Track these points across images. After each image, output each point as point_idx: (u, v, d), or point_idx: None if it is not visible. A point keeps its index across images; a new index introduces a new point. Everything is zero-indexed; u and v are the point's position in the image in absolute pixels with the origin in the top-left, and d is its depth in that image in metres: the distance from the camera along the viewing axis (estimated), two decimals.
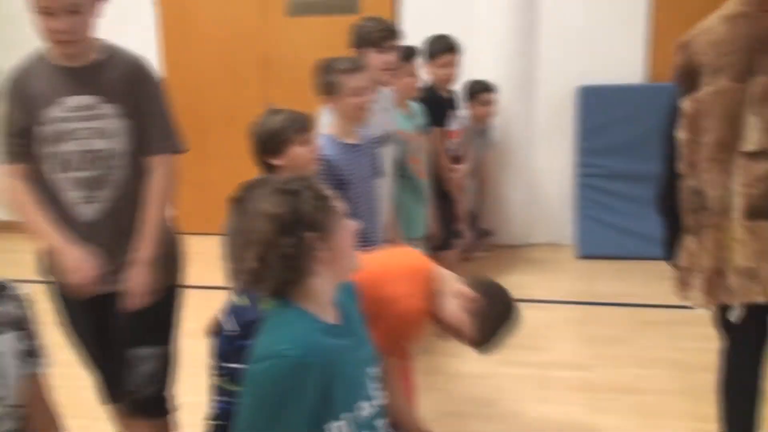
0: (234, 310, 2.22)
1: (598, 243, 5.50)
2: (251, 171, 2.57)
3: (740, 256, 2.35)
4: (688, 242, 2.50)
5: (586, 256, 5.48)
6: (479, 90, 5.29)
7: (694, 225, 2.46)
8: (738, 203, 2.34)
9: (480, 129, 5.42)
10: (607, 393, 3.62)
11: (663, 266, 5.01)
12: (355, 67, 3.21)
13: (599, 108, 5.52)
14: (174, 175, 2.65)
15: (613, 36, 5.52)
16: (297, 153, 2.69)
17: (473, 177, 5.58)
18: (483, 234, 5.63)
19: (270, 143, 2.68)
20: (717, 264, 2.41)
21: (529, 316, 4.52)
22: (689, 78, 2.46)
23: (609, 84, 5.49)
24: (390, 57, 3.66)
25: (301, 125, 2.73)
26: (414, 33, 5.18)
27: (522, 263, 5.49)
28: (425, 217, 4.33)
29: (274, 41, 6.07)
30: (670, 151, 2.51)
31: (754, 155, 2.31)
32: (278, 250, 1.65)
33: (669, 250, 2.62)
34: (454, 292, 2.26)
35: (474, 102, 5.32)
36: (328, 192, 1.76)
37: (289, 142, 2.68)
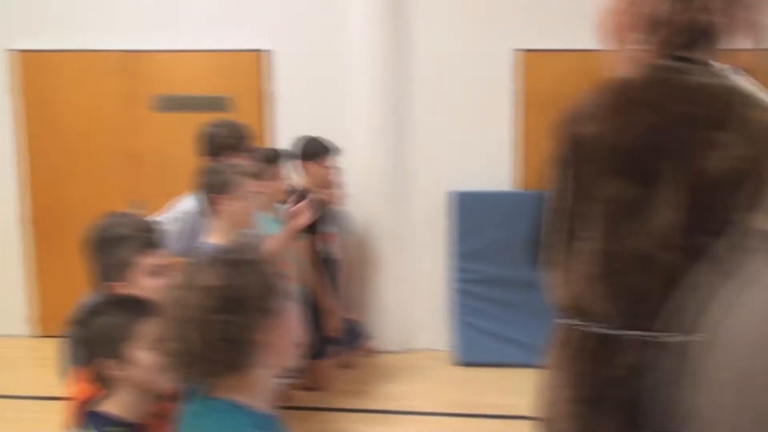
0: None
1: (475, 350, 5.41)
2: None
3: None
4: None
5: (464, 364, 5.37)
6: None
7: None
8: None
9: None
10: None
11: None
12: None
13: (471, 213, 5.52)
14: None
15: (482, 144, 5.60)
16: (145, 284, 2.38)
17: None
18: (359, 338, 5.44)
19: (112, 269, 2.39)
20: None
21: (408, 428, 4.35)
22: None
23: (479, 190, 5.54)
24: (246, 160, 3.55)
25: (147, 242, 2.44)
26: (286, 134, 5.10)
27: (400, 370, 5.31)
28: None
29: (140, 136, 5.81)
30: None
31: None
32: (220, 329, 1.44)
33: None
34: None
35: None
36: (276, 269, 1.56)
37: (134, 266, 2.38)
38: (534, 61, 5.51)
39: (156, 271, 2.40)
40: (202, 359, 1.47)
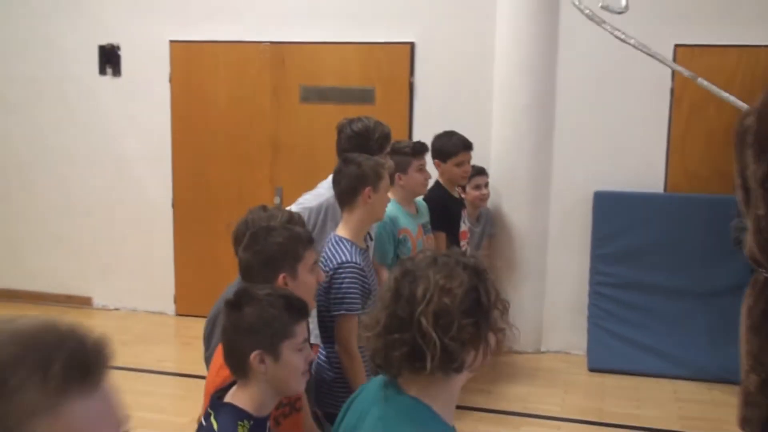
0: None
1: (608, 355, 5.22)
2: None
3: None
4: None
5: (597, 369, 5.20)
6: (473, 174, 4.95)
7: None
8: None
9: (475, 215, 5.19)
10: None
11: (675, 386, 4.69)
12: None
13: (614, 215, 5.32)
14: None
15: (634, 143, 5.37)
16: (305, 280, 2.38)
17: None
18: None
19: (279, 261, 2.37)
20: None
21: None
22: None
23: (626, 191, 5.32)
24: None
25: (309, 237, 2.47)
26: (426, 128, 5.06)
27: (530, 372, 5.21)
28: None
29: (286, 126, 5.97)
30: None
31: None
32: (459, 330, 1.45)
33: None
34: None
35: (468, 187, 5.04)
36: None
37: (300, 259, 2.38)
38: (694, 57, 5.16)
39: (312, 268, 2.42)
40: (432, 357, 1.45)
